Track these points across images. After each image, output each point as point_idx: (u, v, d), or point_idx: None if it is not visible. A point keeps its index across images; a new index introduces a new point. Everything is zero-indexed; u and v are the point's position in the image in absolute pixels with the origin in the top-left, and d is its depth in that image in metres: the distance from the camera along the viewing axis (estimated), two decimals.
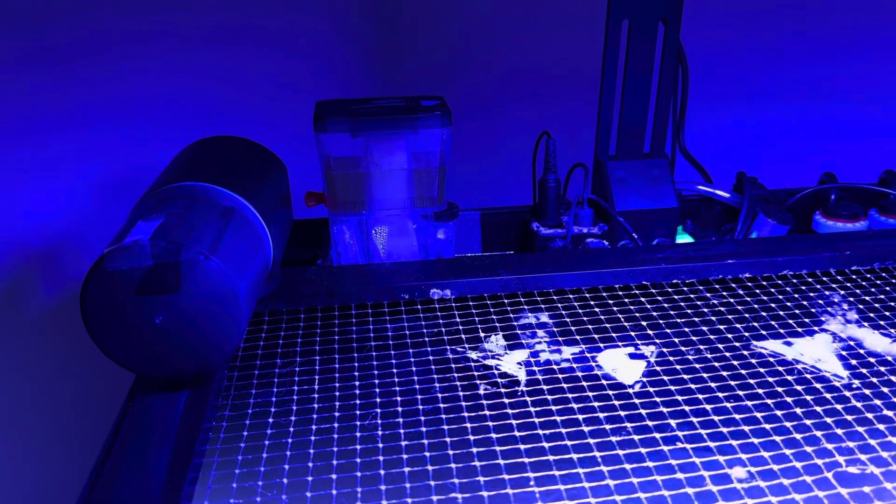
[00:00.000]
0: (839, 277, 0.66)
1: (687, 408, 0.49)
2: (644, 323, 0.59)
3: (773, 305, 0.62)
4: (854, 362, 0.54)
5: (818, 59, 1.05)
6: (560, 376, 0.53)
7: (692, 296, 0.63)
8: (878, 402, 0.49)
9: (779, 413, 0.48)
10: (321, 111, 0.66)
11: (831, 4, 1.02)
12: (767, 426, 0.47)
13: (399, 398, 0.51)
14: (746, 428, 0.47)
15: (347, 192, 0.68)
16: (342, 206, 0.69)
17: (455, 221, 0.73)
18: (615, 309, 0.62)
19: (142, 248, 0.45)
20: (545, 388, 0.52)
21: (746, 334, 0.58)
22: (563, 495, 0.42)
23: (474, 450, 0.46)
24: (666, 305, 0.62)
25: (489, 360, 0.55)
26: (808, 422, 0.47)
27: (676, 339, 0.57)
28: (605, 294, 0.64)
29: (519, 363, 0.55)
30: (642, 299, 0.63)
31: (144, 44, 0.92)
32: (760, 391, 0.51)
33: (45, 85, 0.92)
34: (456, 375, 0.53)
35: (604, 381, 0.52)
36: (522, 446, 0.46)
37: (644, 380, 0.52)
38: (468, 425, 0.48)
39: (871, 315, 0.60)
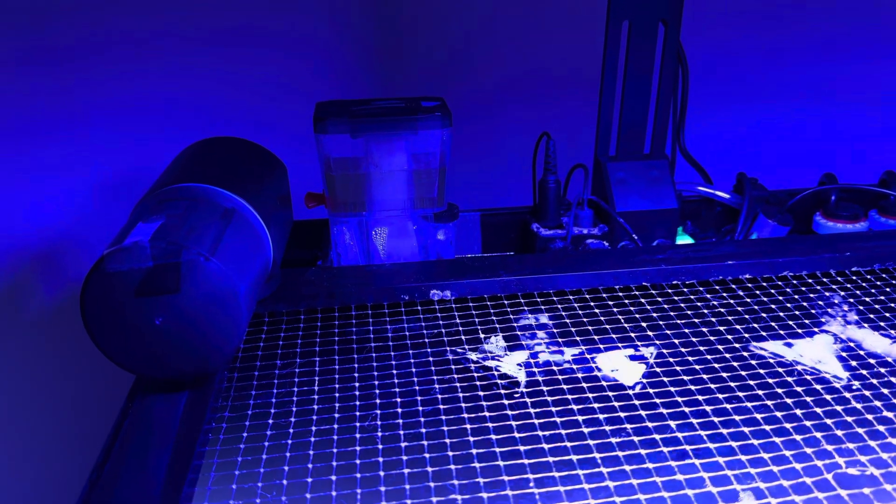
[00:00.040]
0: (839, 278, 0.66)
1: (687, 409, 0.49)
2: (644, 324, 0.59)
3: (773, 306, 0.62)
4: (854, 363, 0.54)
5: (818, 59, 1.05)
6: (560, 377, 0.53)
7: (692, 297, 0.63)
8: (877, 403, 0.49)
9: (779, 414, 0.48)
10: (321, 112, 0.66)
11: (832, 5, 1.02)
12: (767, 427, 0.47)
13: (399, 399, 0.51)
14: (746, 429, 0.47)
15: (347, 193, 0.68)
16: (342, 207, 0.69)
17: (455, 222, 0.73)
18: (615, 310, 0.62)
19: (142, 249, 0.45)
20: (545, 389, 0.52)
21: (746, 335, 0.58)
22: (563, 497, 0.42)
23: (474, 451, 0.46)
24: (666, 306, 0.62)
25: (489, 361, 0.55)
26: (807, 423, 0.47)
27: (676, 341, 0.57)
28: (605, 295, 0.64)
29: (519, 364, 0.55)
30: (642, 300, 0.63)
31: (144, 44, 0.92)
32: (760, 392, 0.51)
33: (46, 85, 0.92)
34: (456, 377, 0.53)
35: (604, 383, 0.52)
36: (522, 447, 0.46)
37: (644, 381, 0.52)
38: (468, 426, 0.48)
39: (872, 316, 0.60)
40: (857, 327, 0.58)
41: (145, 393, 0.49)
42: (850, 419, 0.48)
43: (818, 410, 0.49)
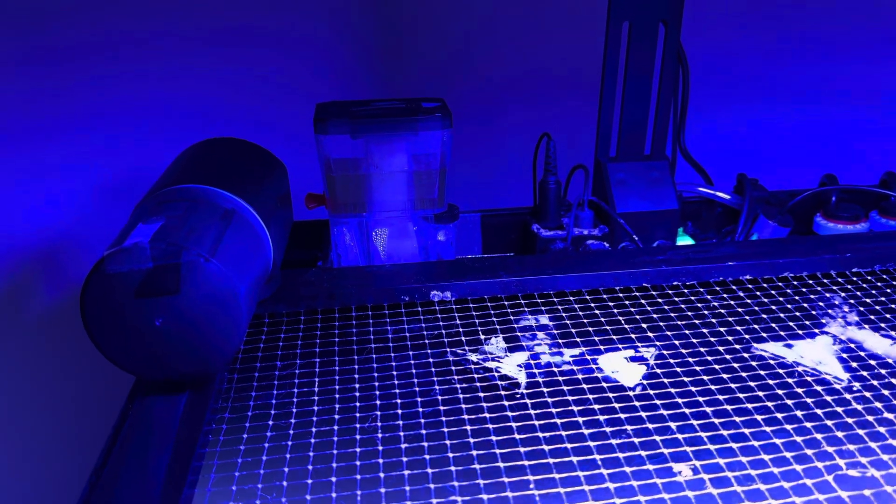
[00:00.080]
0: (840, 279, 0.66)
1: (687, 410, 0.49)
2: (644, 325, 0.59)
3: (773, 307, 0.62)
4: (855, 365, 0.54)
5: (819, 60, 1.05)
6: (560, 379, 0.53)
7: (692, 298, 0.63)
8: (878, 404, 0.49)
9: (779, 416, 0.48)
10: (321, 113, 0.66)
11: (832, 6, 1.02)
12: (768, 429, 0.47)
13: (399, 400, 0.51)
14: (747, 430, 0.47)
15: (348, 193, 0.68)
16: (342, 208, 0.69)
17: (455, 223, 0.73)
18: (616, 311, 0.61)
19: (142, 250, 0.45)
20: (545, 390, 0.52)
21: (747, 336, 0.58)
22: (564, 498, 0.42)
23: (474, 452, 0.46)
24: (666, 307, 0.62)
25: (489, 362, 0.55)
26: (808, 424, 0.47)
27: (677, 342, 0.57)
28: (605, 296, 0.64)
29: (519, 365, 0.55)
30: (643, 301, 0.63)
31: (144, 45, 0.92)
32: (761, 394, 0.51)
33: (46, 86, 0.92)
34: (456, 378, 0.53)
35: (604, 384, 0.52)
36: (522, 449, 0.46)
37: (644, 382, 0.52)
38: (468, 428, 0.48)
39: (872, 317, 0.60)
40: (858, 328, 0.58)
41: (145, 394, 0.49)
42: (850, 420, 0.48)
43: (819, 412, 0.49)
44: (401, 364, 0.55)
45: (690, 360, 0.55)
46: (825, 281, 0.65)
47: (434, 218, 0.71)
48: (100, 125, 0.95)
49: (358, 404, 0.51)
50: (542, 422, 0.48)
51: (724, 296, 0.63)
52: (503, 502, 0.42)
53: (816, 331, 0.58)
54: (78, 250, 1.01)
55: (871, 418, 0.48)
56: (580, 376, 0.53)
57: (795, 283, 0.65)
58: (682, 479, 0.43)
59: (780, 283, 0.65)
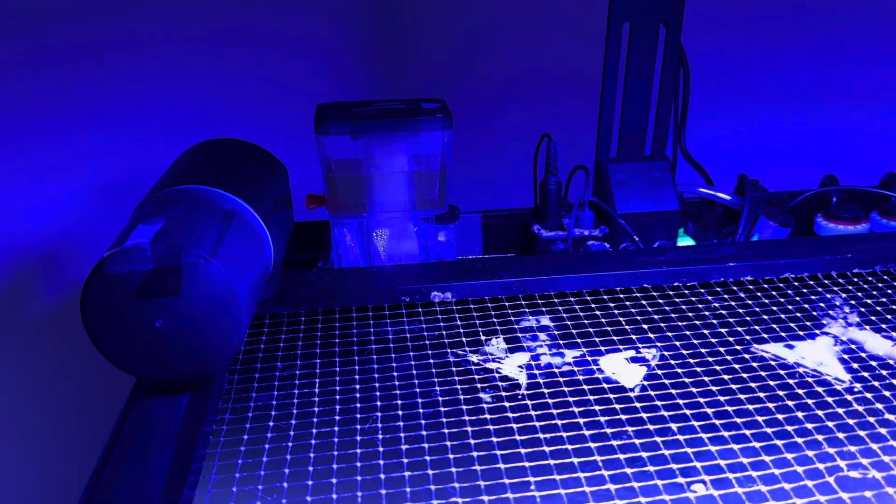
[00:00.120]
0: (841, 280, 0.65)
1: (688, 411, 0.49)
2: (645, 326, 0.59)
3: (774, 308, 0.61)
4: (856, 365, 0.54)
5: (820, 61, 1.05)
6: (561, 380, 0.53)
7: (693, 299, 0.63)
8: (879, 405, 0.49)
9: (780, 417, 0.48)
10: (322, 114, 0.66)
11: (833, 7, 1.02)
12: (769, 430, 0.47)
13: (399, 401, 0.51)
14: (748, 432, 0.47)
15: (348, 194, 0.68)
16: (343, 209, 0.69)
17: (456, 224, 0.73)
18: (616, 312, 0.61)
19: (142, 251, 0.45)
20: (546, 391, 0.52)
21: (748, 337, 0.57)
22: (564, 499, 0.42)
23: (475, 454, 0.46)
24: (667, 308, 0.62)
25: (490, 363, 0.55)
26: (809, 425, 0.47)
27: (678, 343, 0.57)
28: (606, 297, 0.64)
29: (520, 366, 0.55)
30: (643, 302, 0.63)
31: (145, 46, 0.92)
32: (762, 395, 0.50)
33: (46, 87, 0.92)
34: (457, 379, 0.53)
35: (605, 385, 0.52)
36: (523, 450, 0.46)
37: (645, 383, 0.52)
38: (469, 429, 0.48)
39: (873, 318, 0.60)
40: (859, 329, 0.58)
41: (146, 395, 0.49)
42: (851, 422, 0.48)
43: (819, 413, 0.49)
44: (401, 365, 0.55)
45: (691, 360, 0.55)
46: (826, 282, 0.65)
47: (435, 218, 0.71)
48: (100, 125, 0.95)
49: (358, 405, 0.51)
50: (542, 423, 0.48)
51: (725, 296, 0.63)
52: (504, 503, 0.42)
53: (817, 332, 0.58)
54: (78, 250, 1.01)
55: (872, 419, 0.48)
56: (581, 377, 0.53)
57: (796, 283, 0.65)
58: (684, 480, 0.43)
59: (781, 284, 0.65)
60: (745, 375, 0.53)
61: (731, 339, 0.57)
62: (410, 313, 0.62)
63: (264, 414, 0.50)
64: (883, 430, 0.47)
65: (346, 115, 0.66)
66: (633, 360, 0.55)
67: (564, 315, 0.61)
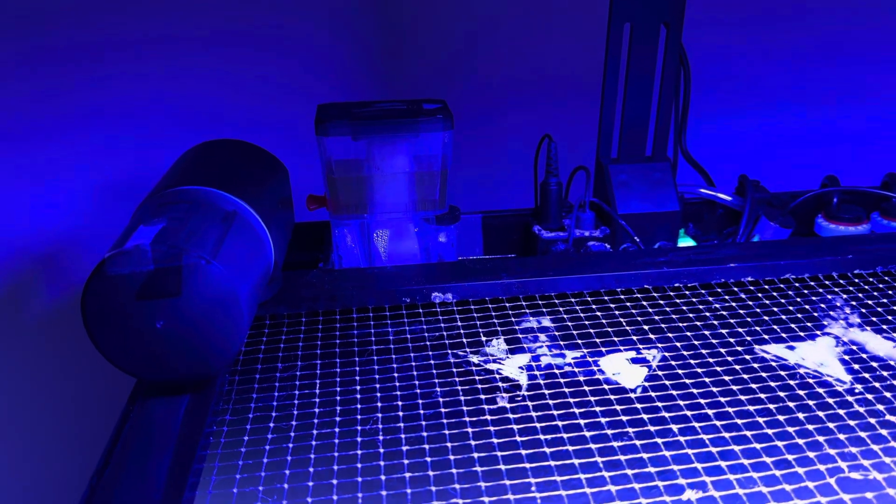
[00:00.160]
0: (841, 281, 0.65)
1: (689, 412, 0.49)
2: (646, 327, 0.59)
3: (775, 309, 0.61)
4: (857, 366, 0.54)
5: (820, 62, 1.05)
6: (562, 380, 0.53)
7: (694, 300, 0.63)
8: (880, 406, 0.49)
9: (781, 418, 0.48)
10: (323, 114, 0.66)
11: (833, 8, 1.02)
12: (769, 431, 0.47)
13: (400, 402, 0.51)
14: (748, 433, 0.47)
15: (349, 195, 0.68)
16: (344, 210, 0.69)
17: (457, 224, 0.73)
18: (617, 313, 0.61)
19: (143, 252, 0.45)
20: (547, 392, 0.52)
21: (749, 338, 0.57)
22: (565, 500, 0.42)
23: (475, 455, 0.46)
24: (668, 309, 0.62)
25: (491, 364, 0.55)
26: (810, 427, 0.47)
27: (678, 344, 0.57)
28: (606, 298, 0.64)
29: (520, 367, 0.54)
30: (644, 303, 0.63)
31: (145, 46, 0.92)
32: (763, 396, 0.50)
33: (47, 87, 0.92)
34: (457, 380, 0.53)
35: (606, 386, 0.52)
36: (524, 451, 0.46)
37: (646, 384, 0.52)
38: (469, 430, 0.48)
39: (874, 319, 0.60)
40: (860, 330, 0.58)
41: (146, 396, 0.49)
42: (852, 423, 0.48)
43: (820, 414, 0.49)
44: (402, 366, 0.55)
45: (692, 361, 0.55)
46: (827, 282, 0.65)
47: (435, 219, 0.71)
48: (100, 125, 0.95)
49: (359, 406, 0.50)
50: (543, 424, 0.48)
51: (726, 297, 0.63)
52: None
53: (818, 333, 0.58)
54: (78, 251, 1.01)
55: (873, 421, 0.48)
56: (581, 378, 0.53)
57: (797, 284, 0.65)
58: (685, 481, 0.43)
59: (782, 285, 0.65)
60: (746, 376, 0.53)
61: (731, 339, 0.57)
62: (411, 314, 0.62)
63: (265, 415, 0.50)
64: (884, 432, 0.47)
65: (347, 116, 0.66)
66: (634, 360, 0.55)
67: (565, 316, 0.61)
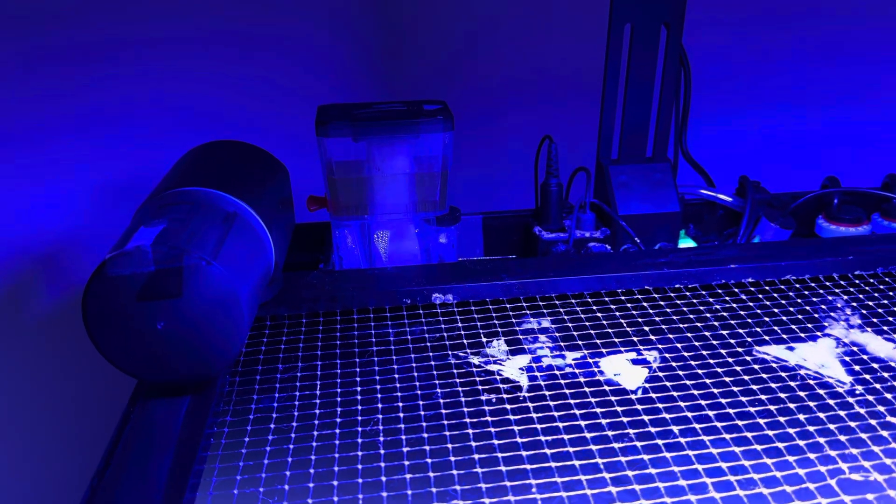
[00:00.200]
0: (842, 282, 0.65)
1: (689, 413, 0.49)
2: (646, 328, 0.59)
3: (775, 310, 0.61)
4: (857, 368, 0.54)
5: (821, 63, 1.05)
6: (562, 381, 0.53)
7: (695, 300, 0.63)
8: (881, 408, 0.49)
9: (781, 419, 0.48)
10: (323, 116, 0.66)
11: (833, 8, 1.02)
12: (770, 432, 0.47)
13: (401, 403, 0.51)
14: (749, 434, 0.47)
15: (349, 196, 0.68)
16: (344, 211, 0.69)
17: (457, 225, 0.73)
18: (617, 314, 0.61)
19: (144, 253, 0.45)
20: (547, 393, 0.52)
21: (749, 339, 0.57)
22: (566, 501, 0.42)
23: (476, 456, 0.46)
24: (668, 310, 0.62)
25: (491, 365, 0.55)
26: (810, 428, 0.47)
27: (679, 345, 0.57)
28: (607, 299, 0.64)
29: (521, 368, 0.54)
30: (645, 304, 0.63)
31: (145, 47, 0.92)
32: (763, 397, 0.50)
33: (47, 88, 0.92)
34: (458, 381, 0.53)
35: (606, 387, 0.52)
36: (524, 452, 0.46)
37: (646, 385, 0.52)
38: (470, 431, 0.48)
39: (875, 320, 0.60)
40: (861, 331, 0.58)
41: (147, 397, 0.49)
42: (853, 424, 0.48)
43: (821, 415, 0.49)
44: (402, 367, 0.55)
45: (692, 362, 0.55)
46: (827, 283, 0.65)
47: (436, 220, 0.71)
48: (100, 126, 0.95)
49: (360, 407, 0.50)
50: (543, 425, 0.48)
51: (727, 298, 0.63)
52: None
53: (819, 334, 0.58)
54: (79, 251, 1.01)
55: (873, 422, 0.48)
56: (582, 379, 0.53)
57: (798, 285, 0.65)
58: (685, 482, 0.43)
59: (783, 286, 0.65)
60: (746, 377, 0.53)
61: (732, 340, 0.57)
62: (412, 315, 0.62)
63: (265, 416, 0.50)
64: (885, 433, 0.47)
65: (347, 117, 0.66)
66: (635, 361, 0.55)
67: (566, 317, 0.61)
